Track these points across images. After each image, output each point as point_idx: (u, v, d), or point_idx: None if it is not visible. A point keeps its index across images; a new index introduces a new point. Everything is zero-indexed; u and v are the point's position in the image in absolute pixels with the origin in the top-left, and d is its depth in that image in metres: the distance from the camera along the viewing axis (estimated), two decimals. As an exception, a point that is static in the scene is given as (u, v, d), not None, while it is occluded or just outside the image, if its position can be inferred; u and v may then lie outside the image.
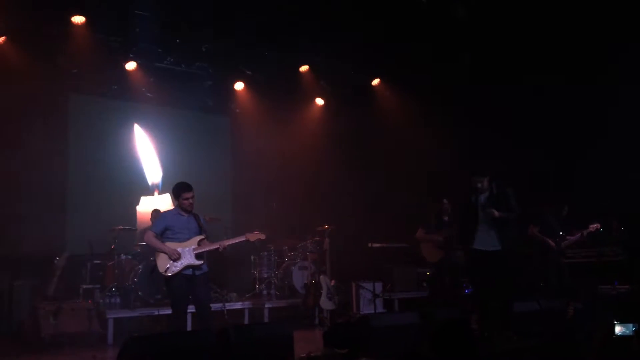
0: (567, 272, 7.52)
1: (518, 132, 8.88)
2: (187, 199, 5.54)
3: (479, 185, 5.98)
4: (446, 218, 7.78)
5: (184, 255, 5.44)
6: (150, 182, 10.04)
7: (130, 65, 9.20)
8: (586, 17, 7.74)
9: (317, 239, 8.77)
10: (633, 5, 7.42)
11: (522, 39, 8.35)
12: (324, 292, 7.87)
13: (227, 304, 7.61)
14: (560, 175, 8.56)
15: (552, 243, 7.35)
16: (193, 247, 5.51)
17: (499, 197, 5.94)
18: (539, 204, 7.66)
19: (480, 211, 5.95)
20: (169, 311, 5.82)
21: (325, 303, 7.87)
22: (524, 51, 8.49)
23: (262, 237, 5.84)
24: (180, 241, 5.51)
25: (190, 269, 5.44)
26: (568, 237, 7.49)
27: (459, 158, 9.25)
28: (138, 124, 10.02)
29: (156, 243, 5.49)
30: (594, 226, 7.46)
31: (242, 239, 5.76)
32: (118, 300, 7.52)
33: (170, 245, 5.47)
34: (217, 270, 8.29)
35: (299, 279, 8.60)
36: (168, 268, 5.38)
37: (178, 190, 5.59)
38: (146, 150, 10.12)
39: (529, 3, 7.81)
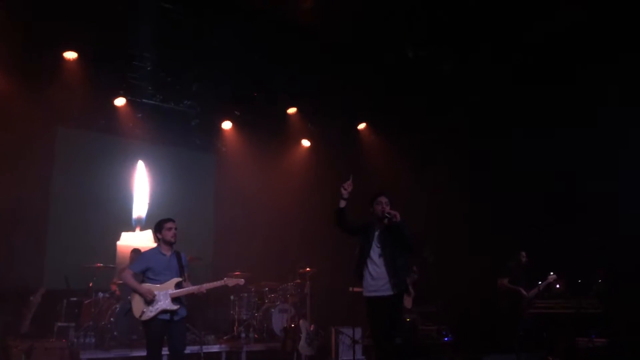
0: (536, 324, 7.60)
1: (499, 180, 9.09)
2: (170, 228, 5.47)
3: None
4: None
5: (160, 299, 5.32)
6: (135, 216, 9.98)
7: (120, 102, 9.27)
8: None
9: (299, 281, 8.72)
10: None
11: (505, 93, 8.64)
12: (303, 336, 7.79)
13: (204, 347, 7.47)
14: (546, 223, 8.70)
15: (524, 292, 7.45)
16: (170, 290, 5.39)
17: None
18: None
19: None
20: (144, 352, 5.70)
21: (304, 348, 7.78)
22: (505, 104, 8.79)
23: (241, 282, 5.78)
24: (157, 283, 5.40)
25: (168, 314, 5.34)
26: (534, 288, 7.59)
27: (439, 204, 9.45)
28: (123, 159, 10.01)
29: (132, 283, 5.40)
30: (552, 277, 7.63)
31: (220, 283, 5.69)
32: (93, 340, 7.35)
33: (148, 287, 5.38)
34: (195, 310, 8.21)
35: (278, 322, 8.51)
36: (143, 313, 5.28)
37: (159, 224, 5.53)
38: (137, 185, 10.11)
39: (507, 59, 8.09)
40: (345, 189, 4.95)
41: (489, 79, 8.51)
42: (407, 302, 7.71)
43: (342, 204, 4.99)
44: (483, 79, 8.53)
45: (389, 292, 4.99)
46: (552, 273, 7.70)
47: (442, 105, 9.26)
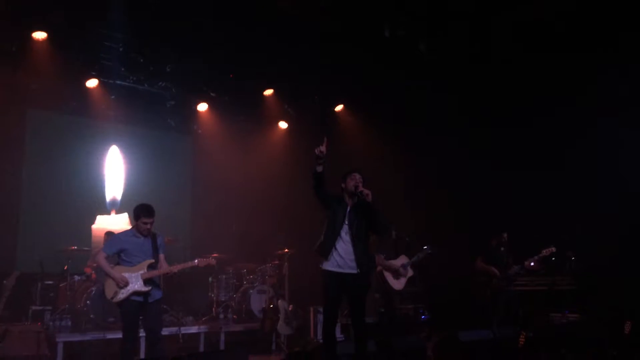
0: (516, 301, 7.72)
1: (477, 159, 9.18)
2: (146, 223, 5.43)
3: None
4: (403, 244, 7.84)
5: (131, 281, 5.32)
6: (108, 199, 9.85)
7: (92, 83, 9.08)
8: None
9: (277, 262, 8.74)
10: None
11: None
12: (281, 316, 7.83)
13: (182, 328, 7.47)
14: (520, 205, 8.81)
15: (495, 271, 7.55)
16: (141, 272, 5.38)
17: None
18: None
19: None
20: (120, 335, 5.67)
21: (283, 328, 7.83)
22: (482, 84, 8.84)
23: (212, 262, 5.80)
24: (130, 265, 5.39)
25: (141, 296, 5.32)
26: (515, 265, 7.70)
27: (415, 184, 9.52)
28: (96, 141, 9.85)
29: (105, 266, 5.39)
30: (547, 250, 7.64)
31: (192, 264, 5.70)
32: (69, 323, 7.28)
33: (120, 269, 5.37)
34: (173, 292, 8.19)
35: (257, 302, 8.52)
36: (115, 294, 5.28)
37: (139, 213, 5.46)
38: (110, 168, 9.96)
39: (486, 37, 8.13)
40: (320, 151, 4.85)
41: (467, 58, 8.52)
42: (401, 282, 7.72)
43: (320, 168, 4.92)
44: (462, 58, 8.54)
45: (354, 271, 4.98)
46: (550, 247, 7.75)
47: (420, 86, 9.27)
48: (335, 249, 4.99)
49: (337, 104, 10.80)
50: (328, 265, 5.02)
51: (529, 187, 8.67)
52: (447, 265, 8.68)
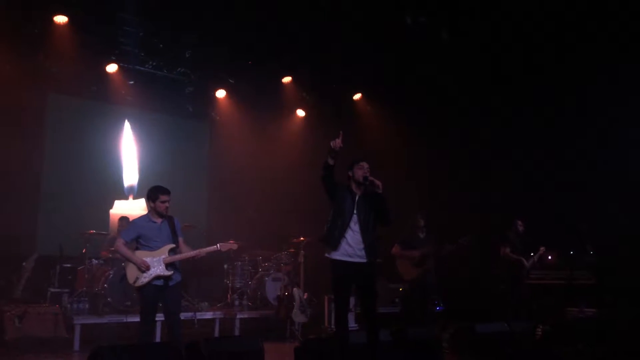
0: (531, 294, 7.68)
1: (492, 150, 9.08)
2: (164, 202, 5.41)
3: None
4: (422, 235, 7.76)
5: (153, 265, 5.30)
6: (127, 185, 9.93)
7: (112, 68, 9.12)
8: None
9: (292, 250, 8.74)
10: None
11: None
12: (296, 304, 7.85)
13: (197, 314, 7.53)
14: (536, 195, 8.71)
15: (525, 262, 7.51)
16: (163, 256, 5.36)
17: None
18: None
19: None
20: (138, 319, 5.70)
21: (298, 316, 7.85)
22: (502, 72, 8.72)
23: (234, 247, 5.76)
24: (151, 250, 5.38)
25: (162, 280, 5.32)
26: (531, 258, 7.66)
27: (435, 175, 9.43)
28: (116, 126, 9.92)
29: (125, 252, 5.36)
30: (542, 249, 7.65)
31: (214, 248, 5.69)
32: (86, 305, 7.36)
33: (141, 254, 5.35)
34: (189, 278, 8.24)
35: (272, 290, 8.55)
36: (137, 279, 5.27)
37: (155, 192, 5.44)
38: (126, 153, 10.03)
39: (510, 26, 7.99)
40: (334, 145, 4.81)
41: (488, 48, 8.40)
42: (411, 273, 7.67)
43: (331, 161, 4.86)
44: (482, 48, 8.42)
45: (363, 260, 4.96)
46: (542, 247, 7.74)
47: (441, 76, 9.16)
48: (345, 238, 4.96)
49: (355, 93, 10.73)
50: (337, 255, 4.98)
51: (550, 181, 8.55)
52: (464, 257, 8.62)
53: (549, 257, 7.99)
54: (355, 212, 4.99)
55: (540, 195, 8.58)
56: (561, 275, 8.29)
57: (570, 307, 7.88)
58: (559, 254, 8.12)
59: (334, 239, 4.96)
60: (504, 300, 7.64)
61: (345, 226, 4.95)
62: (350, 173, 5.11)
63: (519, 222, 7.79)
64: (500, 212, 8.45)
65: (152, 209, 5.47)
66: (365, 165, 5.07)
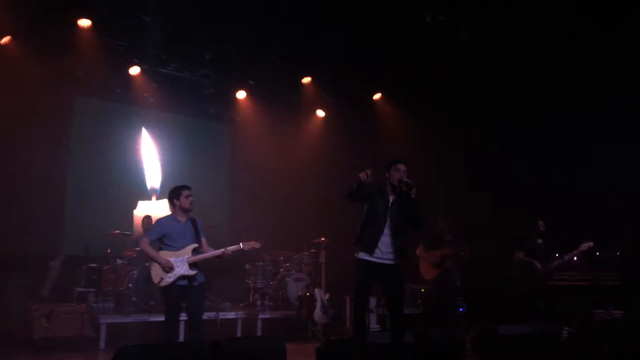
0: (556, 296, 7.54)
1: (515, 151, 8.97)
2: (188, 196, 5.49)
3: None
4: (447, 236, 7.73)
5: (177, 265, 5.34)
6: (149, 187, 10.05)
7: (134, 70, 9.24)
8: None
9: (313, 251, 8.77)
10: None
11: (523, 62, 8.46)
12: (318, 305, 7.86)
13: (220, 313, 7.59)
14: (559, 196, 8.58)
15: (537, 265, 7.37)
16: (187, 256, 5.41)
17: None
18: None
19: None
20: (162, 318, 5.78)
21: (319, 316, 7.86)
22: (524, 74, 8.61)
23: (257, 246, 5.79)
24: (175, 249, 5.43)
25: (186, 280, 5.38)
26: (556, 259, 7.50)
27: (457, 176, 9.34)
28: (139, 128, 10.05)
29: (150, 251, 5.42)
30: (586, 245, 7.39)
31: (238, 247, 5.72)
32: (112, 305, 7.47)
33: (165, 254, 5.40)
34: (211, 278, 8.29)
35: (293, 290, 8.58)
36: (162, 279, 5.32)
37: (177, 190, 5.53)
38: (149, 155, 10.15)
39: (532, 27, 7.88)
40: (364, 177, 4.79)
41: (509, 46, 8.30)
42: (431, 273, 7.65)
43: (356, 187, 4.84)
44: (504, 46, 8.32)
45: (392, 262, 4.95)
46: (585, 243, 7.49)
47: (461, 75, 9.08)
48: (378, 242, 4.95)
49: (375, 93, 10.71)
50: (365, 255, 4.99)
51: (575, 177, 8.41)
52: (487, 258, 8.54)
53: (575, 259, 7.84)
54: (388, 216, 4.99)
55: (563, 196, 8.44)
56: (587, 276, 8.15)
57: (597, 309, 7.74)
58: (585, 254, 7.96)
59: (369, 245, 4.95)
60: (528, 302, 7.53)
61: (380, 232, 4.95)
62: (387, 174, 5.12)
63: (540, 223, 7.67)
64: (522, 213, 8.34)
65: (177, 208, 5.53)
66: (402, 167, 5.06)
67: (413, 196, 4.92)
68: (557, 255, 7.60)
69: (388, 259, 4.95)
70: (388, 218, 4.98)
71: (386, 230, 4.96)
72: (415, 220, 5.05)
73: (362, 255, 5.00)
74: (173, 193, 5.57)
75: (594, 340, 6.50)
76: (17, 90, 7.95)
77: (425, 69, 9.16)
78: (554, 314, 7.29)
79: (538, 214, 7.95)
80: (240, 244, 5.71)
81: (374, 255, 4.94)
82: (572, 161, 8.49)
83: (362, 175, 4.80)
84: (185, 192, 5.51)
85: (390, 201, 5.05)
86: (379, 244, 4.94)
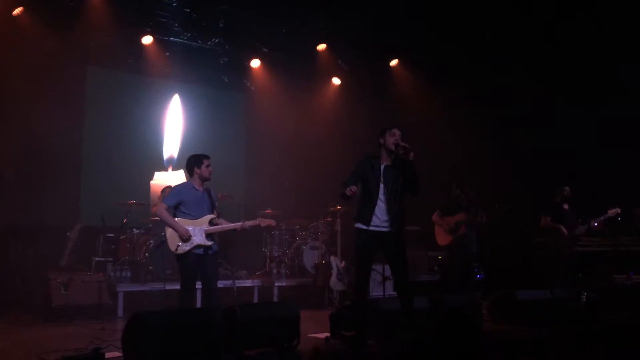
0: (577, 261, 7.46)
1: (537, 117, 8.73)
2: (208, 165, 5.46)
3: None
4: (463, 203, 7.62)
5: (195, 234, 5.33)
6: (166, 157, 10.06)
7: (147, 40, 9.16)
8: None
9: (329, 219, 8.72)
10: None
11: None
12: (334, 273, 7.85)
13: (237, 281, 7.61)
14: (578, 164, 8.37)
15: (564, 230, 7.28)
16: (205, 227, 5.39)
17: None
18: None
19: None
20: (178, 286, 5.79)
21: (335, 284, 7.85)
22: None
23: (273, 224, 5.80)
24: (192, 218, 5.39)
25: (202, 249, 5.36)
26: (582, 224, 7.38)
27: (475, 143, 9.15)
28: (152, 98, 10.01)
29: (168, 218, 5.37)
30: (613, 211, 7.27)
31: (255, 222, 5.72)
32: (129, 274, 7.54)
33: (182, 222, 5.36)
34: (228, 246, 8.33)
35: (309, 258, 8.58)
36: (179, 246, 5.30)
37: (199, 158, 5.48)
38: (165, 125, 10.14)
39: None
40: (350, 192, 4.76)
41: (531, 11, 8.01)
42: (446, 239, 7.58)
43: (345, 195, 4.80)
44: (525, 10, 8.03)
45: (389, 229, 4.87)
46: (612, 209, 7.35)
47: (479, 41, 8.81)
48: (375, 211, 4.87)
49: (392, 59, 10.49)
50: (362, 225, 4.92)
51: (598, 142, 8.18)
52: (506, 224, 8.41)
53: (595, 224, 7.70)
54: (381, 182, 4.89)
55: (583, 164, 8.24)
56: (608, 242, 8.02)
57: (617, 274, 7.62)
58: (607, 220, 7.81)
59: (366, 218, 4.87)
60: (548, 268, 7.43)
61: (374, 203, 4.86)
62: (381, 140, 4.98)
63: (566, 188, 7.53)
64: (545, 180, 8.17)
65: (196, 176, 5.48)
66: (397, 132, 4.93)
67: (411, 159, 4.80)
68: (581, 220, 7.49)
69: (385, 227, 4.86)
70: (382, 185, 4.87)
71: (381, 197, 4.87)
72: (412, 184, 4.93)
73: (360, 225, 4.93)
74: (194, 161, 5.51)
75: (614, 305, 6.40)
76: (30, 60, 7.94)
77: (444, 33, 8.90)
78: (573, 280, 7.20)
79: (561, 180, 7.81)
80: (259, 219, 5.73)
81: (371, 224, 4.86)
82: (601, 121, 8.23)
83: (347, 191, 4.76)
84: (206, 162, 5.47)
85: (382, 168, 4.93)
86: (375, 212, 4.85)
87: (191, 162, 5.52)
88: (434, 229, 7.71)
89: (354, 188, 4.78)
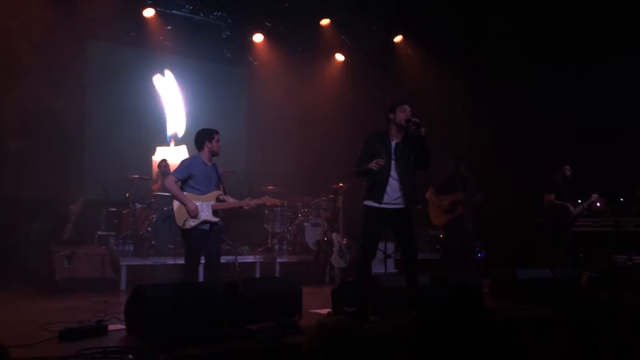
0: (576, 241, 7.49)
1: (539, 95, 8.66)
2: (218, 140, 5.43)
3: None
4: (459, 181, 7.54)
5: (202, 210, 5.29)
6: (170, 132, 10.02)
7: (148, 12, 9.05)
8: None
9: (331, 196, 8.71)
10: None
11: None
12: (335, 249, 7.87)
13: (239, 257, 7.64)
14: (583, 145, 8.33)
15: (571, 208, 7.30)
16: (212, 202, 5.36)
17: None
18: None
19: None
20: (181, 261, 5.78)
21: (337, 261, 7.88)
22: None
23: (278, 203, 5.88)
24: (200, 193, 5.35)
25: (208, 225, 5.34)
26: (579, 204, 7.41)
27: (478, 119, 9.10)
28: (154, 72, 9.93)
29: (178, 192, 5.30)
30: (595, 196, 7.37)
31: (261, 201, 5.76)
32: (131, 247, 7.58)
33: (191, 197, 5.30)
34: (230, 222, 8.33)
35: (311, 235, 8.60)
36: (186, 221, 5.28)
37: (210, 133, 5.42)
38: (167, 100, 10.06)
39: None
40: (375, 166, 4.70)
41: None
42: (441, 219, 7.54)
43: (364, 171, 4.77)
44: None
45: (401, 205, 4.82)
46: (594, 194, 7.45)
47: (484, 17, 8.69)
48: (385, 190, 4.81)
49: (396, 35, 10.37)
50: (374, 203, 4.85)
51: (597, 124, 8.13)
52: (507, 203, 8.41)
53: (598, 204, 7.71)
54: (393, 159, 4.83)
55: (589, 142, 8.19)
56: (609, 222, 8.03)
57: (619, 254, 7.64)
58: (608, 200, 7.82)
59: (378, 195, 4.80)
60: (549, 247, 7.45)
61: (386, 181, 4.79)
62: (391, 115, 4.88)
63: (567, 167, 7.52)
64: (547, 159, 8.14)
65: (206, 150, 5.42)
66: (407, 108, 4.84)
67: (423, 134, 4.73)
68: (579, 201, 7.51)
69: (397, 204, 4.82)
70: (393, 162, 4.82)
71: (393, 174, 4.81)
72: (423, 160, 4.87)
73: (370, 203, 4.86)
74: (205, 135, 5.44)
75: (615, 285, 6.42)
76: (31, 32, 7.84)
77: (449, 8, 8.78)
78: (573, 259, 7.23)
79: (561, 159, 7.78)
80: (264, 198, 5.77)
81: (383, 202, 4.81)
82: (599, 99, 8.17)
83: (374, 166, 4.70)
84: (216, 136, 5.43)
85: (393, 145, 4.87)
86: (388, 190, 4.80)
87: (202, 135, 5.45)
88: (428, 208, 7.61)
89: (381, 161, 4.71)
